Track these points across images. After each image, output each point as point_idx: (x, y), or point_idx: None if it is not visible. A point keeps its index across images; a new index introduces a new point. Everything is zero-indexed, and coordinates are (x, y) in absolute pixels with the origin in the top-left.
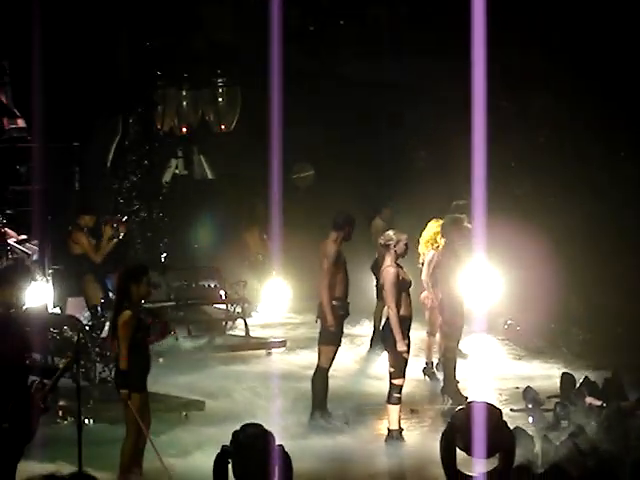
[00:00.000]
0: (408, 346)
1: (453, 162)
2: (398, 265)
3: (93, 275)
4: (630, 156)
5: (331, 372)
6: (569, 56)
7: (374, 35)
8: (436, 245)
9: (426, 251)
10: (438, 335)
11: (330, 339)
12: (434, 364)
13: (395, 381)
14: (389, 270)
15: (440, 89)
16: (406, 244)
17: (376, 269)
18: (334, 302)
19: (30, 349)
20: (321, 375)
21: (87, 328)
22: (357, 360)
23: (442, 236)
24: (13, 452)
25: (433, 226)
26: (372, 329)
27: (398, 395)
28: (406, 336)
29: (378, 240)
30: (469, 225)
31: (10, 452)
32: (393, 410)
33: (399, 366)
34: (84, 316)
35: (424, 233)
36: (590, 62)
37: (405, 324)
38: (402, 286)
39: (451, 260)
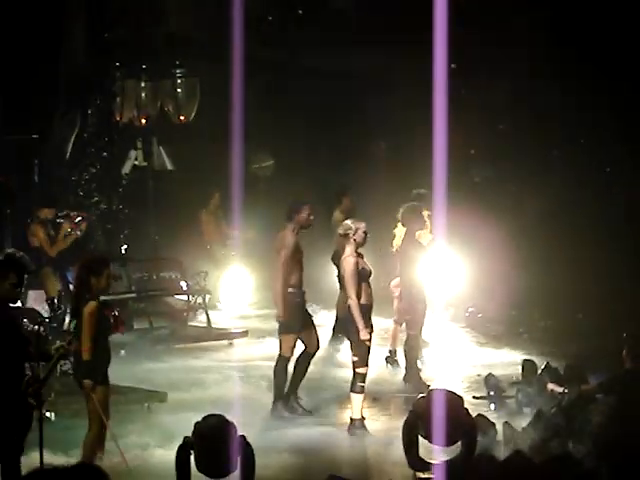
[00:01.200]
0: (370, 334)
1: (415, 151)
2: (358, 254)
3: (51, 268)
4: (589, 142)
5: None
6: (528, 43)
7: (336, 25)
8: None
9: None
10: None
11: (288, 328)
12: (397, 352)
13: (359, 370)
14: (349, 260)
15: (402, 79)
16: (365, 232)
17: (336, 260)
18: (290, 290)
19: (27, 342)
20: (282, 365)
21: (47, 320)
22: (320, 349)
23: (402, 224)
24: (15, 445)
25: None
26: (335, 318)
27: (362, 384)
28: (368, 325)
29: (337, 231)
30: (428, 213)
31: (12, 445)
32: (356, 399)
33: (362, 355)
34: (44, 309)
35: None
36: (549, 48)
37: (366, 313)
38: (362, 275)
39: (410, 248)
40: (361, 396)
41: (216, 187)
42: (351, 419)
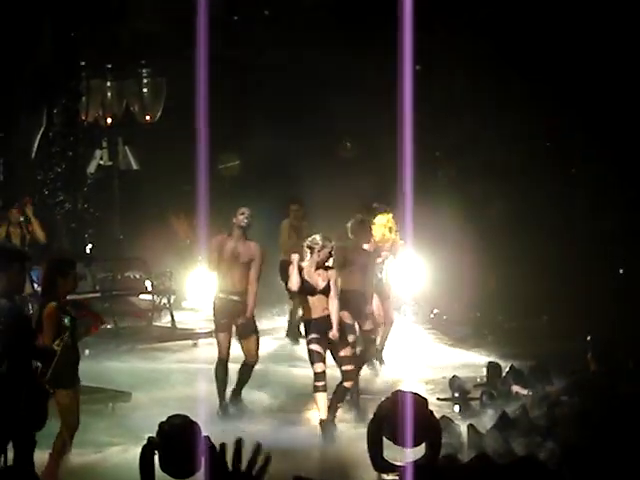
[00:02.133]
0: (317, 341)
1: (381, 151)
2: (325, 267)
3: None
4: (556, 140)
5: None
6: (494, 41)
7: (301, 25)
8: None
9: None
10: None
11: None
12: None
13: (313, 369)
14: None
15: (367, 79)
16: (330, 252)
17: (283, 270)
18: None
19: (35, 335)
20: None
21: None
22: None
23: (351, 234)
24: (28, 440)
25: (382, 219)
26: (288, 321)
27: (320, 383)
28: (315, 333)
29: (282, 240)
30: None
31: (26, 440)
32: (318, 399)
33: (310, 357)
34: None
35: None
36: (515, 46)
37: (311, 325)
38: (306, 289)
39: (359, 259)
40: (322, 395)
41: (188, 185)
42: (320, 420)
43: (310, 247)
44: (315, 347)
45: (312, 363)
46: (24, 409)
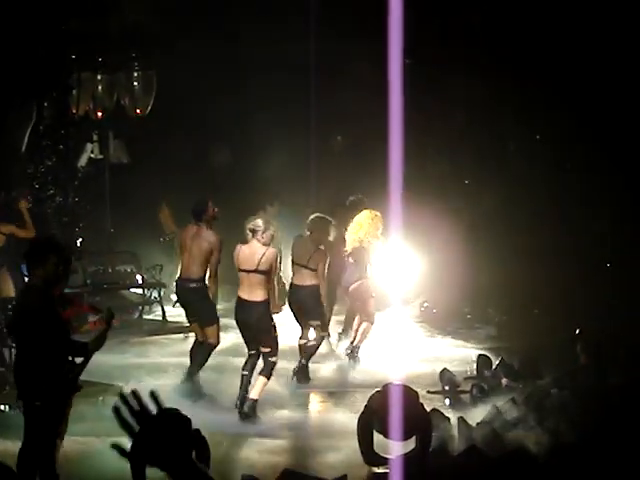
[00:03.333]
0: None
1: (372, 145)
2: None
3: (6, 267)
4: (548, 139)
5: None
6: (488, 40)
7: (291, 16)
8: (362, 233)
9: (355, 238)
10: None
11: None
12: (359, 347)
13: (271, 358)
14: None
15: (358, 72)
16: (272, 235)
17: None
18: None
19: (69, 329)
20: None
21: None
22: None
23: (310, 232)
24: (49, 431)
25: (366, 215)
26: None
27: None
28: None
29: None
30: (376, 214)
31: (45, 431)
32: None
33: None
34: None
35: (354, 220)
36: (508, 45)
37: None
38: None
39: (319, 258)
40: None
41: (163, 200)
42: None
43: (253, 230)
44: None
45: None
46: (43, 400)
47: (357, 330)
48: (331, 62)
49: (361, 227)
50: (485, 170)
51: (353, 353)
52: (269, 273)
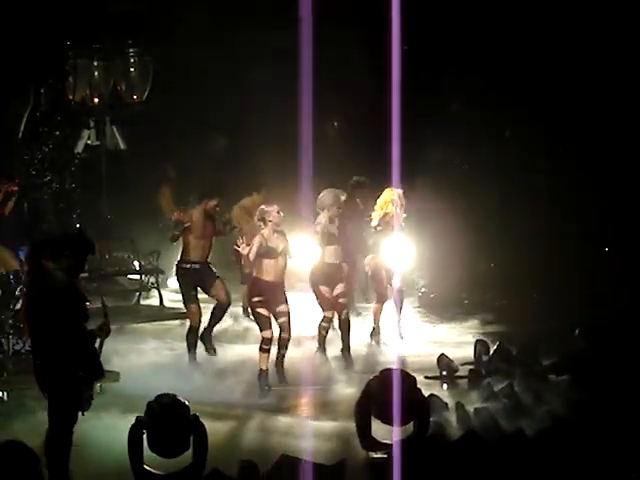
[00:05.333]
0: (264, 304)
1: (369, 132)
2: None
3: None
4: (539, 129)
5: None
6: (482, 30)
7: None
8: (383, 213)
9: (376, 216)
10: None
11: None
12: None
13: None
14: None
15: (355, 57)
16: (278, 211)
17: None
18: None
19: (87, 316)
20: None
21: None
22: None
23: (320, 210)
24: (73, 417)
25: (387, 194)
26: None
27: (265, 346)
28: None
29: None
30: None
31: (69, 417)
32: (261, 356)
33: (258, 322)
34: None
35: (378, 201)
36: (504, 37)
37: (264, 286)
38: (267, 253)
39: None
40: (264, 355)
41: (168, 163)
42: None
43: (262, 219)
44: (263, 313)
45: (261, 327)
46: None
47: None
48: (330, 47)
49: (387, 204)
50: (483, 155)
51: (374, 336)
52: None
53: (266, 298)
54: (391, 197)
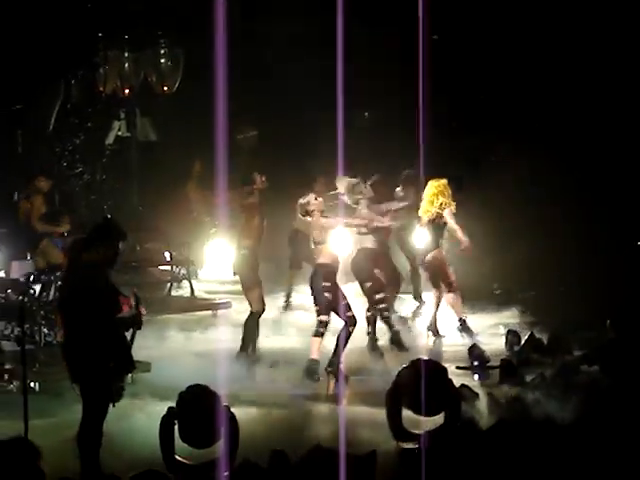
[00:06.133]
0: (329, 289)
1: (398, 122)
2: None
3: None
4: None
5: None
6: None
7: None
8: (438, 203)
9: (431, 209)
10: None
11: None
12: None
13: (319, 317)
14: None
15: (386, 50)
16: (315, 198)
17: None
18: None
19: (119, 308)
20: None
21: (32, 291)
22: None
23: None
24: (105, 408)
25: (433, 186)
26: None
27: (321, 330)
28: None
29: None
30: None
31: (102, 408)
32: (313, 342)
33: (321, 304)
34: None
35: (424, 193)
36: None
37: (332, 272)
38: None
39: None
40: (317, 339)
41: (198, 155)
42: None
43: (307, 212)
44: (329, 297)
45: (322, 310)
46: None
47: (437, 305)
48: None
49: (437, 198)
50: (514, 147)
51: (463, 328)
52: None
53: (333, 284)
54: (439, 189)
